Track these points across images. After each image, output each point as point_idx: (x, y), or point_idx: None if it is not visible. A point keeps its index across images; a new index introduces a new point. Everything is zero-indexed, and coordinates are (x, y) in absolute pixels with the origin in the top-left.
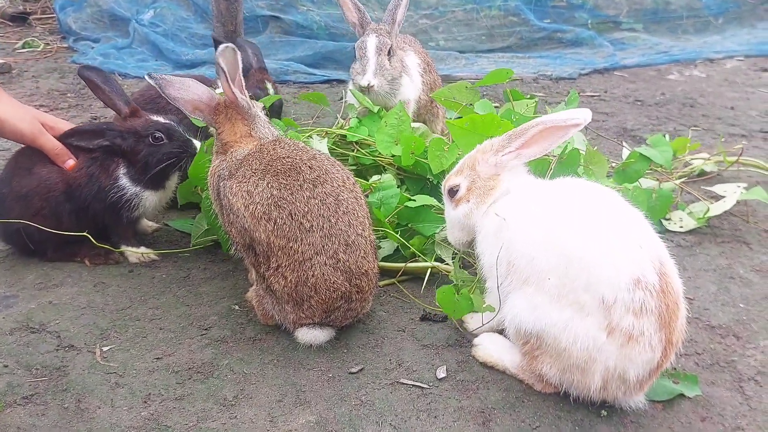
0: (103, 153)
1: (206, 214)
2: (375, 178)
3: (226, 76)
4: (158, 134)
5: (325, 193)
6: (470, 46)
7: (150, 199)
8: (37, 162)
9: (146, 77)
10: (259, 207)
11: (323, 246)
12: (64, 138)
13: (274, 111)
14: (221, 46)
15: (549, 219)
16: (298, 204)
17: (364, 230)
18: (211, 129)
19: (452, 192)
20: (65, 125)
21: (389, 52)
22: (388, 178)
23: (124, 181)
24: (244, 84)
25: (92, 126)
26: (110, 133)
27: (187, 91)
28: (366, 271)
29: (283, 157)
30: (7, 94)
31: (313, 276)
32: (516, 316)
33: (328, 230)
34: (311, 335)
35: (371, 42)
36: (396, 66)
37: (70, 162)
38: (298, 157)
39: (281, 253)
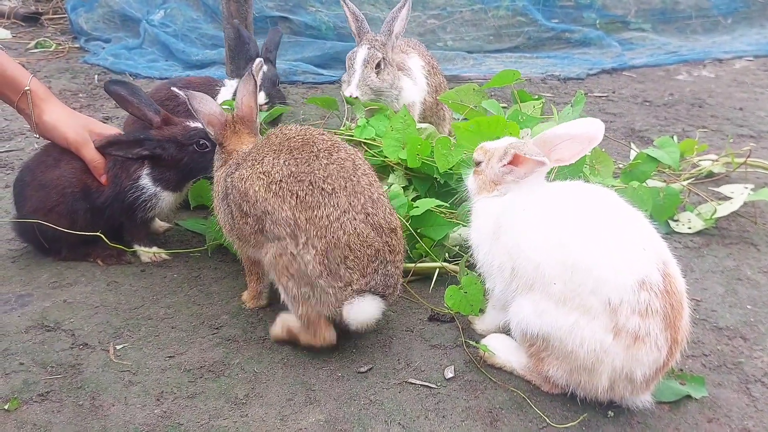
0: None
1: (214, 229)
2: None
3: (255, 89)
4: (203, 141)
5: (341, 158)
6: (478, 46)
7: (167, 200)
8: (66, 156)
9: (174, 90)
10: (280, 185)
11: (350, 203)
12: (102, 148)
13: (271, 84)
14: (257, 60)
15: (552, 224)
16: (317, 172)
17: (383, 193)
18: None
19: (475, 162)
20: (114, 132)
21: (378, 64)
22: (395, 186)
23: (146, 180)
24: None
25: (130, 136)
26: (149, 142)
27: (205, 105)
28: (394, 228)
29: (293, 136)
30: (61, 102)
31: (344, 234)
32: (522, 320)
33: (351, 189)
34: (358, 309)
35: (360, 54)
36: (385, 79)
37: (105, 177)
38: (308, 133)
39: (308, 224)
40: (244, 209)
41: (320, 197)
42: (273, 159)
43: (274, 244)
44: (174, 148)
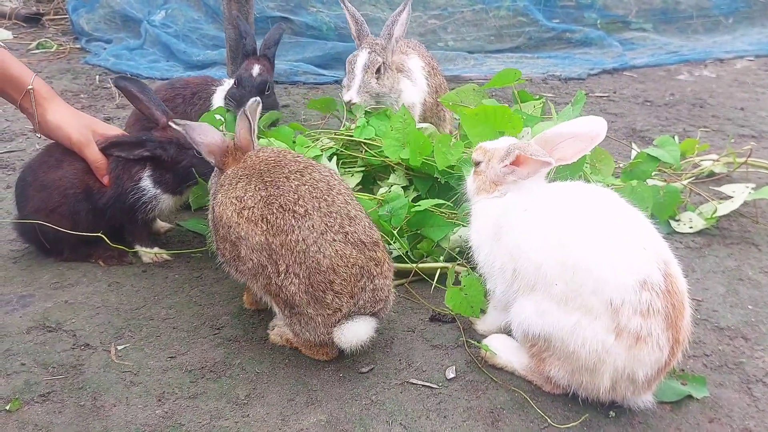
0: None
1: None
2: (382, 190)
3: (250, 127)
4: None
5: (314, 179)
6: (479, 47)
7: (167, 202)
8: (68, 157)
9: (171, 124)
10: (253, 210)
11: (326, 224)
12: (105, 149)
13: (257, 92)
14: (251, 101)
15: (553, 225)
16: (287, 195)
17: (361, 209)
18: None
19: (474, 162)
20: (117, 132)
21: (379, 69)
22: (395, 188)
23: (147, 182)
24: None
25: (132, 138)
26: (150, 144)
27: (206, 135)
28: (376, 241)
29: (266, 158)
30: (64, 102)
31: (324, 257)
32: (523, 321)
33: (326, 209)
34: (350, 333)
35: (360, 59)
36: (385, 83)
37: (107, 178)
38: (281, 155)
39: (284, 250)
40: (221, 233)
41: (292, 220)
42: (245, 184)
43: (261, 276)
44: (174, 149)
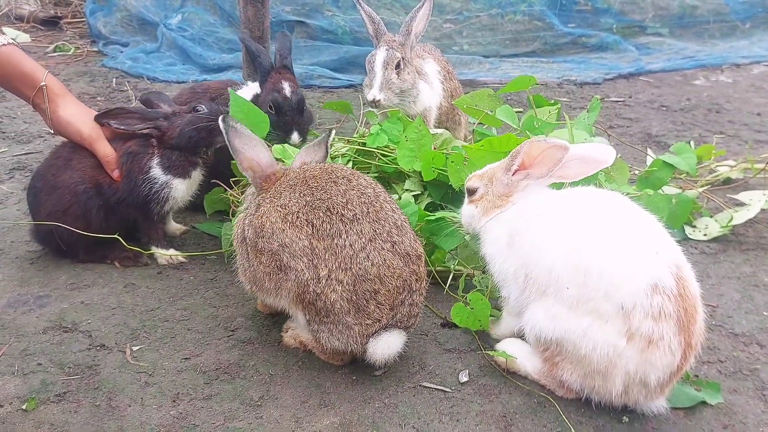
0: (137, 146)
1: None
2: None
3: (325, 157)
4: (200, 107)
5: (361, 185)
6: (494, 51)
7: (179, 188)
8: (76, 155)
9: (219, 122)
10: (297, 215)
11: (375, 231)
12: (100, 118)
13: (295, 111)
14: (332, 132)
15: (565, 229)
16: (334, 198)
17: (406, 219)
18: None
19: (470, 191)
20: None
21: (398, 65)
22: (406, 195)
23: (156, 170)
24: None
25: (129, 108)
26: (151, 116)
27: (252, 148)
28: (419, 254)
29: (311, 169)
30: (74, 97)
31: (372, 265)
32: (536, 325)
33: (375, 215)
34: (384, 344)
35: (379, 56)
36: (406, 79)
37: (117, 173)
38: (328, 167)
39: (328, 254)
40: (260, 246)
41: (340, 224)
42: (290, 192)
43: (294, 283)
44: (173, 119)
